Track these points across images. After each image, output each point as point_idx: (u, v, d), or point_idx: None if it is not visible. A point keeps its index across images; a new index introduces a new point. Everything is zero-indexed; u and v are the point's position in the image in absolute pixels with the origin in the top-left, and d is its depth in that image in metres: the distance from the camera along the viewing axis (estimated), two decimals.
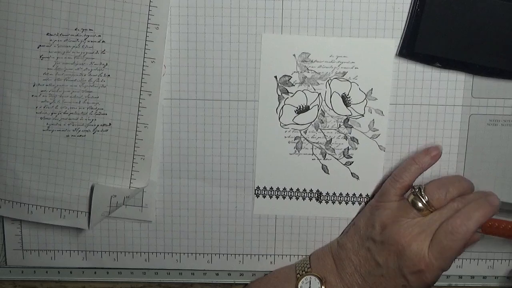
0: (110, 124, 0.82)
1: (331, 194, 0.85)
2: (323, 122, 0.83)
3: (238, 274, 0.90)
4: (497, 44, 0.79)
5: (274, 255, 0.89)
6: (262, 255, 0.89)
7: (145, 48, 0.80)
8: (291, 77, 0.82)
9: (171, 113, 0.84)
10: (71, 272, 0.90)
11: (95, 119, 0.82)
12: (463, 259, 0.88)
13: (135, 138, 0.82)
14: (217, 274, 0.90)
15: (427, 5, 0.78)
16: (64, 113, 0.82)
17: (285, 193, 0.85)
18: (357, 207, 0.86)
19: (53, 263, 0.90)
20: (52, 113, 0.82)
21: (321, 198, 0.86)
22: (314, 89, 0.82)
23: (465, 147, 0.84)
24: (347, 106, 0.82)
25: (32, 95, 0.82)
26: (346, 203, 0.86)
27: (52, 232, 0.89)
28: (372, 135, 0.83)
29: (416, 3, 0.79)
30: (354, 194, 0.85)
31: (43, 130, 0.83)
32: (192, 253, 0.89)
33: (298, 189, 0.85)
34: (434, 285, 0.88)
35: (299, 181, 0.85)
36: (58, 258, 0.90)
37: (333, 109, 0.82)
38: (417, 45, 0.80)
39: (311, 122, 0.83)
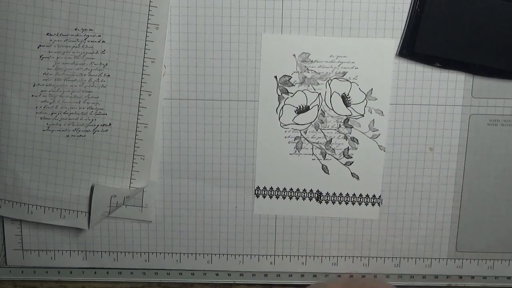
0: (110, 124, 0.82)
1: (331, 194, 0.85)
2: (323, 122, 0.83)
3: (238, 274, 0.90)
4: (497, 44, 0.79)
5: (274, 255, 0.89)
6: (262, 255, 0.89)
7: (145, 48, 0.80)
8: (291, 77, 0.82)
9: (171, 113, 0.84)
10: (71, 272, 0.90)
11: (95, 119, 0.82)
12: (463, 259, 0.88)
13: (135, 138, 0.82)
14: (217, 274, 0.90)
15: (427, 5, 0.78)
16: (64, 113, 0.82)
17: (285, 193, 0.85)
18: (357, 207, 0.86)
19: (53, 263, 0.90)
20: (52, 113, 0.82)
21: (321, 198, 0.86)
22: (314, 89, 0.82)
23: (465, 147, 0.84)
24: (347, 106, 0.82)
25: (32, 95, 0.82)
26: (346, 203, 0.86)
27: (52, 232, 0.89)
28: (372, 135, 0.83)
29: (416, 3, 0.79)
30: (354, 194, 0.85)
31: (43, 130, 0.83)
32: (192, 253, 0.89)
33: (298, 189, 0.85)
34: (435, 284, 0.88)
35: (299, 181, 0.85)
36: (58, 258, 0.90)
37: (333, 109, 0.82)
38: (417, 45, 0.80)
39: (311, 122, 0.83)
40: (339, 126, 0.83)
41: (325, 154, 0.84)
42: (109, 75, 0.81)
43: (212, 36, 0.81)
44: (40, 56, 0.81)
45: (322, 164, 0.85)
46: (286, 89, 0.82)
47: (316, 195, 0.85)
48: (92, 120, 0.82)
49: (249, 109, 0.83)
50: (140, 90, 0.81)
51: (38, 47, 0.80)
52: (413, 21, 0.80)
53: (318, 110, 0.83)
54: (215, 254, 0.89)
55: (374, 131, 0.83)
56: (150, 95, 0.81)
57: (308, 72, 0.81)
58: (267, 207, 0.86)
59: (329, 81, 0.82)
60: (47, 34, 0.80)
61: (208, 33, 0.81)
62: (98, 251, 0.89)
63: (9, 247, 0.89)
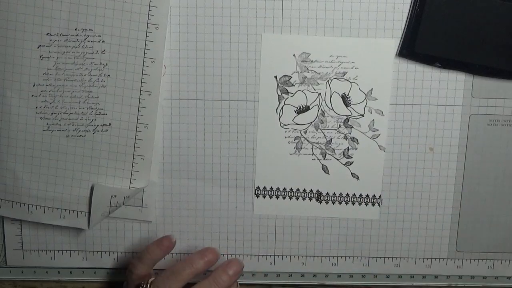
0: (110, 124, 0.82)
1: (331, 194, 0.85)
2: (323, 122, 0.83)
3: None
4: (497, 44, 0.79)
5: (274, 255, 0.89)
6: (262, 255, 0.89)
7: (145, 48, 0.80)
8: (291, 77, 0.82)
9: (171, 113, 0.83)
10: (71, 272, 0.90)
11: (95, 119, 0.82)
12: (463, 259, 0.88)
13: (135, 138, 0.82)
14: None
15: (427, 5, 0.78)
16: (64, 113, 0.82)
17: (285, 193, 0.85)
18: (357, 207, 0.86)
19: (53, 263, 0.90)
20: (52, 113, 0.82)
21: (321, 198, 0.86)
22: (314, 89, 0.82)
23: (465, 147, 0.84)
24: (347, 106, 0.82)
25: (32, 95, 0.82)
26: (346, 203, 0.86)
27: (52, 232, 0.89)
28: (372, 135, 0.83)
29: (416, 3, 0.79)
30: (354, 194, 0.85)
31: (43, 130, 0.83)
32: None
33: (298, 189, 0.85)
34: (435, 284, 0.88)
35: (299, 181, 0.85)
36: (58, 258, 0.90)
37: (333, 109, 0.82)
38: (417, 45, 0.80)
39: (311, 122, 0.83)
40: (339, 126, 0.83)
41: (325, 154, 0.84)
42: (109, 75, 0.81)
43: (212, 36, 0.81)
44: (40, 56, 0.80)
45: (322, 164, 0.85)
46: (286, 89, 0.82)
47: (316, 195, 0.85)
48: (92, 120, 0.82)
49: (249, 109, 0.83)
50: (140, 90, 0.81)
51: (38, 47, 0.80)
52: (413, 21, 0.80)
53: (318, 110, 0.82)
54: None
55: (374, 131, 0.83)
56: (150, 95, 0.81)
57: (308, 72, 0.81)
58: (267, 207, 0.86)
59: (329, 81, 0.82)
60: (47, 34, 0.80)
61: (208, 33, 0.81)
62: (98, 251, 0.89)
63: (9, 247, 0.89)
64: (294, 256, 0.89)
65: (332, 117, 0.83)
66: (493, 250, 0.88)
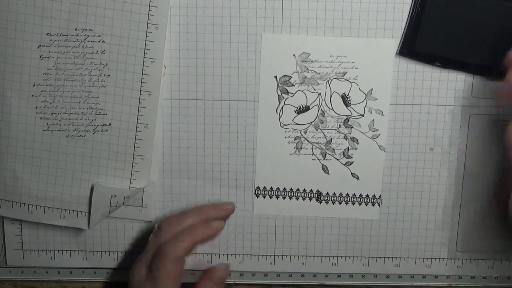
0: (110, 124, 0.82)
1: (331, 194, 0.85)
2: (323, 122, 0.83)
3: (238, 274, 0.90)
4: (497, 44, 0.79)
5: (274, 255, 0.89)
6: (262, 255, 0.89)
7: (145, 48, 0.80)
8: (291, 77, 0.82)
9: (171, 113, 0.83)
10: (71, 272, 0.90)
11: (95, 119, 0.82)
12: (463, 259, 0.88)
13: (135, 138, 0.82)
14: None
15: (427, 5, 0.78)
16: (64, 113, 0.82)
17: (285, 193, 0.85)
18: (357, 207, 0.86)
19: (53, 263, 0.90)
20: (52, 113, 0.82)
21: (321, 198, 0.86)
22: (314, 89, 0.82)
23: (465, 147, 0.84)
24: (347, 106, 0.82)
25: (32, 95, 0.82)
26: (346, 203, 0.86)
27: (52, 232, 0.89)
28: (372, 135, 0.83)
29: (417, 2, 0.79)
30: (354, 194, 0.85)
31: (43, 130, 0.83)
32: (192, 253, 0.88)
33: (298, 189, 0.85)
34: (435, 284, 0.88)
35: (299, 181, 0.85)
36: (58, 258, 0.90)
37: (333, 109, 0.82)
38: (417, 45, 0.80)
39: (311, 122, 0.83)
40: (339, 126, 0.83)
41: (325, 154, 0.84)
42: (109, 75, 0.81)
43: (212, 36, 0.81)
44: (40, 56, 0.80)
45: (322, 164, 0.84)
46: (286, 89, 0.82)
47: (316, 195, 0.85)
48: (92, 120, 0.82)
49: (249, 109, 0.83)
50: (140, 90, 0.81)
51: (38, 47, 0.80)
52: (414, 20, 0.80)
53: (318, 110, 0.82)
54: (215, 254, 0.89)
55: (374, 131, 0.83)
56: (150, 95, 0.81)
57: (308, 72, 0.81)
58: (267, 207, 0.86)
59: (329, 81, 0.82)
60: (47, 34, 0.80)
61: (208, 33, 0.81)
62: (98, 251, 0.89)
63: (9, 247, 0.89)
64: (294, 256, 0.89)
65: (332, 117, 0.83)
66: (493, 250, 0.88)
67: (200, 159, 0.85)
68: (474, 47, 0.80)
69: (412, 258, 0.88)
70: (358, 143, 0.84)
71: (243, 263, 0.89)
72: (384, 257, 0.88)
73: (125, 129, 0.82)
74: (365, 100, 0.82)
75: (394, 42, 0.81)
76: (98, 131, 0.82)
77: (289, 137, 0.83)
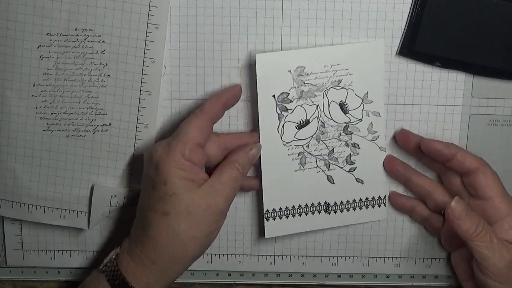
0: (110, 124, 0.82)
1: (338, 204, 0.85)
2: (324, 133, 0.82)
3: (238, 274, 0.90)
4: (497, 44, 0.80)
5: (274, 255, 0.89)
6: (262, 255, 0.89)
7: (145, 48, 0.80)
8: (289, 93, 0.81)
9: (171, 113, 0.83)
10: (71, 272, 0.90)
11: (95, 119, 0.82)
12: None
13: (135, 138, 0.82)
14: (217, 274, 0.90)
15: (427, 5, 0.79)
16: (64, 113, 0.82)
17: (294, 211, 0.84)
18: (364, 211, 0.85)
19: (53, 263, 0.90)
20: (52, 113, 0.82)
21: (330, 209, 0.85)
22: (312, 102, 0.81)
23: (465, 147, 0.84)
24: (345, 113, 0.82)
25: (32, 95, 0.82)
26: (354, 209, 0.85)
27: (52, 232, 0.89)
28: (372, 137, 0.83)
29: (417, 2, 0.79)
30: (360, 199, 0.85)
31: (43, 130, 0.83)
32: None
33: (306, 205, 0.85)
34: (435, 284, 0.88)
35: (307, 196, 0.84)
36: (58, 258, 0.90)
37: (332, 119, 0.82)
38: (417, 45, 0.80)
39: (312, 135, 0.83)
40: (340, 134, 0.83)
41: (329, 165, 0.83)
42: (109, 75, 0.81)
43: (212, 36, 0.81)
44: (40, 56, 0.80)
45: (327, 175, 0.84)
46: (285, 107, 0.81)
47: (325, 207, 0.85)
48: (92, 120, 0.82)
49: (249, 109, 0.83)
50: (140, 90, 0.81)
51: (38, 47, 0.80)
52: (414, 20, 0.80)
53: (318, 122, 0.82)
54: (215, 254, 0.89)
55: (373, 134, 0.83)
56: (150, 95, 0.81)
57: (305, 85, 0.81)
58: (279, 229, 0.84)
59: (326, 91, 0.81)
60: (47, 34, 0.80)
61: (208, 33, 0.81)
62: (98, 251, 0.89)
63: (9, 247, 0.89)
64: (294, 256, 0.89)
65: (332, 126, 0.82)
66: None
67: None
68: (474, 47, 0.80)
69: (412, 258, 0.88)
70: (359, 148, 0.83)
71: (243, 263, 0.89)
72: (384, 257, 0.88)
73: (125, 129, 0.82)
74: (361, 105, 0.82)
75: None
76: (98, 131, 0.82)
77: (292, 154, 0.83)
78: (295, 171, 0.83)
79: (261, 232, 0.87)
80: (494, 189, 0.78)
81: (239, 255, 0.89)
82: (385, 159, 0.84)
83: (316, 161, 0.83)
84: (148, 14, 0.79)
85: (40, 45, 0.80)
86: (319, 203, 0.85)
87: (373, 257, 0.89)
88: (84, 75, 0.81)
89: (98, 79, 0.81)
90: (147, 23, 0.79)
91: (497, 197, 0.78)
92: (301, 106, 0.81)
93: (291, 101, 0.80)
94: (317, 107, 0.81)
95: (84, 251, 0.89)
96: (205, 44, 0.81)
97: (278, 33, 0.81)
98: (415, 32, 0.80)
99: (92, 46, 0.80)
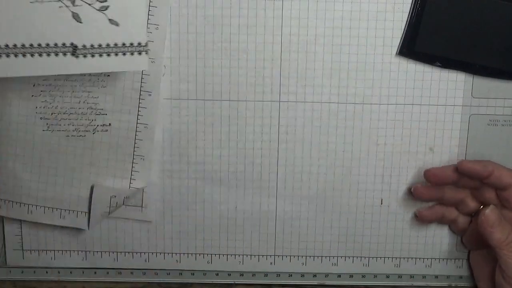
0: (110, 124, 0.82)
1: (88, 47, 0.76)
2: None
3: (238, 275, 0.90)
4: (497, 44, 0.80)
5: (274, 255, 0.89)
6: (262, 255, 0.89)
7: None
8: None
9: (171, 113, 0.83)
10: (71, 272, 0.90)
11: (95, 119, 0.82)
12: (463, 259, 0.88)
13: (135, 138, 0.82)
14: (217, 274, 0.90)
15: (427, 5, 0.78)
16: (64, 113, 0.82)
17: (33, 50, 0.74)
18: (121, 58, 0.77)
19: (53, 263, 0.90)
20: (52, 113, 0.82)
21: (77, 52, 0.76)
22: None
23: (465, 147, 0.84)
24: None
25: (32, 95, 0.82)
26: (108, 55, 0.76)
27: (52, 232, 0.89)
28: None
29: (417, 2, 0.79)
30: (115, 44, 0.76)
31: (43, 130, 0.83)
32: (192, 253, 0.89)
33: (48, 44, 0.74)
34: (435, 284, 0.88)
35: (47, 34, 0.74)
36: (58, 258, 0.90)
37: None
38: (417, 45, 0.80)
39: None
40: None
41: (74, 0, 0.74)
42: (109, 75, 0.81)
43: (212, 36, 0.81)
44: None
45: (72, 12, 0.74)
46: None
47: (71, 50, 0.75)
48: (92, 120, 0.82)
49: (249, 109, 0.83)
50: (140, 90, 0.81)
51: None
52: (414, 20, 0.80)
53: None
54: (215, 254, 0.89)
55: None
56: (150, 95, 0.81)
57: None
58: (11, 68, 0.75)
59: None
60: None
61: (208, 33, 0.81)
62: (98, 251, 0.89)
63: (9, 247, 0.89)
64: (294, 256, 0.89)
65: None
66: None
67: (200, 159, 0.85)
68: (474, 47, 0.80)
69: (412, 258, 0.88)
70: None
71: (243, 263, 0.89)
72: (384, 257, 0.88)
73: (125, 129, 0.82)
74: None
75: (393, 42, 0.81)
76: (98, 131, 0.82)
77: None
78: (31, 2, 0.72)
79: (261, 232, 0.87)
80: None
81: (239, 255, 0.89)
82: (413, 192, 0.84)
83: None
84: (148, 14, 0.79)
85: None
86: (64, 44, 0.74)
87: (373, 257, 0.89)
88: (84, 75, 0.81)
89: (98, 79, 0.81)
90: (147, 23, 0.79)
91: None
92: None
93: None
94: None
95: (84, 251, 0.89)
96: (205, 44, 0.81)
97: (278, 33, 0.81)
98: (415, 32, 0.80)
99: None
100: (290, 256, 0.89)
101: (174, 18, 0.81)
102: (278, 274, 0.90)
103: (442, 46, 0.80)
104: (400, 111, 0.83)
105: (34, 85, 0.81)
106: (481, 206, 0.82)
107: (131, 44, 0.76)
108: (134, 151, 0.83)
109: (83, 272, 0.90)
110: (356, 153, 0.84)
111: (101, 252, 0.89)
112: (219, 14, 0.81)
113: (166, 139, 0.84)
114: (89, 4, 0.73)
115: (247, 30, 0.81)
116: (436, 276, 0.89)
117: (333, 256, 0.89)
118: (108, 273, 0.90)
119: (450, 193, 0.83)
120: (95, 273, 0.90)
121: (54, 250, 0.89)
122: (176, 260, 0.89)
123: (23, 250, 0.89)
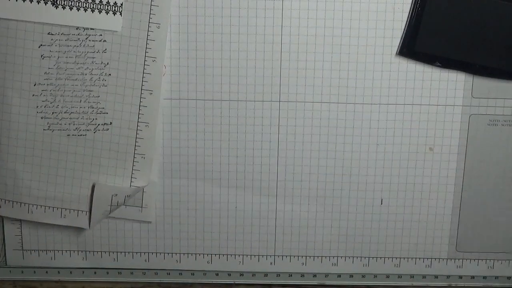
0: (111, 123, 0.82)
1: None
2: None
3: (238, 275, 0.90)
4: (497, 44, 0.80)
5: (274, 255, 0.89)
6: (262, 255, 0.89)
7: (146, 47, 0.80)
8: None
9: (171, 113, 0.84)
10: (71, 272, 0.90)
11: (96, 118, 0.82)
12: (463, 259, 0.88)
13: (136, 137, 0.82)
14: (217, 274, 0.90)
15: (427, 5, 0.79)
16: (65, 112, 0.82)
17: None
18: (96, 15, 0.78)
19: (53, 263, 0.90)
20: (53, 113, 0.82)
21: (58, 2, 0.77)
22: None
23: (465, 147, 0.84)
24: None
25: (33, 95, 0.82)
26: (85, 10, 0.78)
27: (52, 232, 0.88)
28: None
29: (417, 2, 0.79)
30: (93, 0, 0.78)
31: (44, 130, 0.83)
32: (192, 253, 0.89)
33: None
34: (435, 284, 0.88)
35: None
36: (58, 258, 0.89)
37: None
38: (417, 45, 0.80)
39: None
40: None
41: None
42: (110, 74, 0.81)
43: (212, 36, 0.81)
44: (41, 56, 0.81)
45: None
46: None
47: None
48: (93, 119, 0.82)
49: (249, 109, 0.83)
50: (141, 89, 0.81)
51: (39, 46, 0.80)
52: (414, 20, 0.80)
53: None
54: (215, 254, 0.89)
55: None
56: (151, 94, 0.81)
57: None
58: None
59: None
60: (48, 34, 0.80)
61: (208, 33, 0.81)
62: (98, 251, 0.89)
63: (9, 247, 0.89)
64: (294, 256, 0.89)
65: None
66: (493, 250, 0.88)
67: (200, 159, 0.85)
68: (474, 47, 0.80)
69: (412, 258, 0.88)
70: None
71: (243, 263, 0.89)
72: (384, 257, 0.88)
73: (126, 128, 0.82)
74: None
75: (393, 42, 0.81)
76: (99, 130, 0.82)
77: None
78: None
79: (261, 232, 0.87)
80: None
81: (239, 255, 0.89)
82: None
83: None
84: (150, 13, 0.79)
85: (41, 45, 0.80)
86: None
87: (373, 257, 0.89)
88: (85, 74, 0.81)
89: (99, 78, 0.81)
90: (149, 22, 0.79)
91: None
92: None
93: None
94: None
95: (84, 251, 0.89)
96: (205, 44, 0.82)
97: (278, 33, 0.81)
98: (415, 32, 0.80)
99: (93, 45, 0.80)
100: (290, 256, 0.89)
101: (174, 18, 0.81)
102: (278, 274, 0.90)
103: (442, 46, 0.80)
104: (400, 111, 0.83)
105: (35, 84, 0.81)
106: None
107: (108, 2, 0.78)
108: (135, 150, 0.83)
109: (83, 272, 0.90)
110: (356, 153, 0.85)
111: (101, 252, 0.89)
112: (219, 14, 0.81)
113: (166, 139, 0.84)
114: None
115: (247, 30, 0.81)
116: (436, 276, 0.89)
117: (333, 256, 0.89)
118: (108, 273, 0.90)
119: None
120: (95, 273, 0.90)
121: (54, 250, 0.89)
122: (176, 260, 0.89)
123: (23, 250, 0.89)
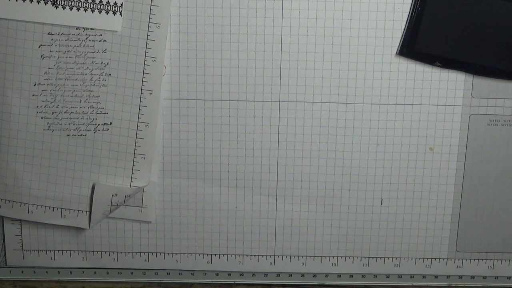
0: (111, 123, 0.82)
1: None
2: None
3: (238, 275, 0.90)
4: (497, 44, 0.80)
5: (274, 255, 0.89)
6: (262, 255, 0.89)
7: (146, 47, 0.80)
8: None
9: (171, 113, 0.84)
10: (71, 272, 0.90)
11: (96, 118, 0.82)
12: (463, 259, 0.88)
13: (136, 137, 0.82)
14: (217, 274, 0.90)
15: (427, 5, 0.79)
16: (65, 112, 0.82)
17: None
18: (96, 15, 0.79)
19: (53, 263, 0.90)
20: (53, 113, 0.82)
21: (58, 2, 0.78)
22: None
23: (465, 147, 0.84)
24: None
25: (33, 95, 0.82)
26: (85, 10, 0.79)
27: (52, 232, 0.88)
28: None
29: (417, 2, 0.79)
30: (93, 0, 0.78)
31: (44, 130, 0.83)
32: (192, 253, 0.89)
33: None
34: (435, 284, 0.88)
35: None
36: (58, 258, 0.89)
37: None
38: (417, 45, 0.80)
39: None
40: None
41: None
42: (110, 74, 0.81)
43: (212, 36, 0.81)
44: (41, 56, 0.81)
45: None
46: None
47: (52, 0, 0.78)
48: (93, 119, 0.82)
49: (249, 109, 0.83)
50: (141, 89, 0.81)
51: (39, 47, 0.80)
52: (414, 20, 0.80)
53: None
54: (215, 254, 0.89)
55: None
56: (151, 94, 0.81)
57: None
58: None
59: None
60: (48, 34, 0.80)
61: (208, 33, 0.81)
62: (98, 251, 0.89)
63: (9, 247, 0.89)
64: (294, 256, 0.89)
65: None
66: (493, 250, 0.88)
67: (200, 159, 0.85)
68: (474, 47, 0.80)
69: (412, 258, 0.88)
70: None
71: (243, 263, 0.89)
72: (384, 257, 0.88)
73: (126, 128, 0.82)
74: None
75: (393, 42, 0.81)
76: (99, 130, 0.82)
77: None
78: None
79: (261, 232, 0.88)
80: None
81: (239, 255, 0.89)
82: None
83: None
84: (150, 13, 0.79)
85: (41, 45, 0.80)
86: None
87: (373, 257, 0.89)
88: (85, 74, 0.81)
89: (99, 78, 0.81)
90: (149, 22, 0.79)
91: None
92: None
93: None
94: None
95: (84, 251, 0.89)
96: (205, 44, 0.82)
97: (278, 33, 0.81)
98: (415, 32, 0.80)
99: (93, 45, 0.80)
100: (290, 256, 0.89)
101: (174, 18, 0.81)
102: (278, 274, 0.90)
103: (442, 46, 0.80)
104: (400, 111, 0.83)
105: (35, 84, 0.81)
106: None
107: (108, 2, 0.78)
108: (135, 150, 0.83)
109: (83, 272, 0.90)
110: (356, 153, 0.85)
111: (101, 252, 0.89)
112: (219, 14, 0.81)
113: (166, 139, 0.84)
114: None
115: (247, 30, 0.81)
116: (436, 276, 0.89)
117: (333, 256, 0.89)
118: (108, 273, 0.90)
119: None
120: (95, 273, 0.90)
121: (54, 250, 0.89)
122: (176, 260, 0.89)
123: (23, 250, 0.89)
